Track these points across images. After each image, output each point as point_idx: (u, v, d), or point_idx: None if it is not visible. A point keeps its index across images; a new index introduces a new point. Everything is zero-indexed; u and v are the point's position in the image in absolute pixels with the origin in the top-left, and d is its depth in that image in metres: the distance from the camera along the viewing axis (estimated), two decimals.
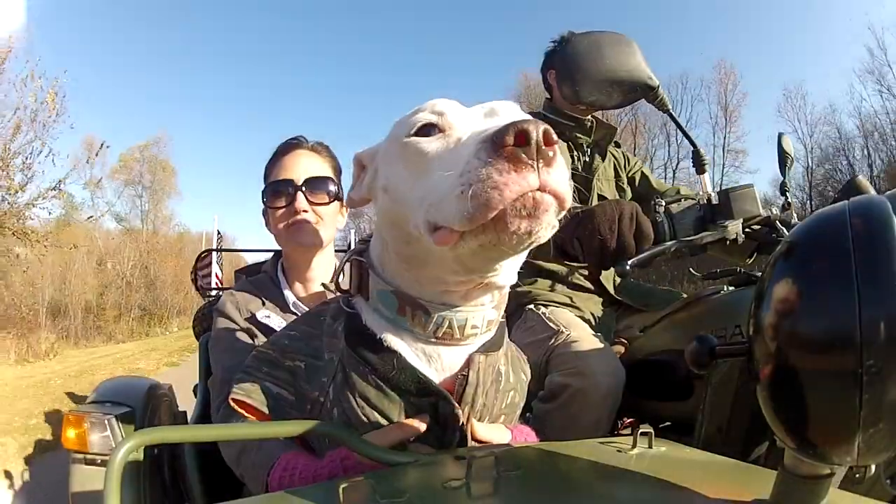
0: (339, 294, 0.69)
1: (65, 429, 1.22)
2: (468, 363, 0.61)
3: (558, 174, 0.44)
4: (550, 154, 0.42)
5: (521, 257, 0.55)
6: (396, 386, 0.60)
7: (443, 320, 0.57)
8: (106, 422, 1.21)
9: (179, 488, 1.24)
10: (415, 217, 0.50)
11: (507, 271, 0.55)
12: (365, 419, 0.60)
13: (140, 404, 1.33)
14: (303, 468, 0.63)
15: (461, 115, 0.54)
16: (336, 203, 1.07)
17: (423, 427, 0.60)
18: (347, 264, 0.67)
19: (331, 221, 1.06)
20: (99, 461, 1.20)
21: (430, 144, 0.52)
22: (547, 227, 0.45)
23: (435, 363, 0.60)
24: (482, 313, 0.59)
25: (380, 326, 0.61)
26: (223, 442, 0.79)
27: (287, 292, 1.06)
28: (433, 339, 0.59)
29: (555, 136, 0.43)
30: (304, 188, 1.03)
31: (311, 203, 1.03)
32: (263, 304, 1.03)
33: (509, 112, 0.54)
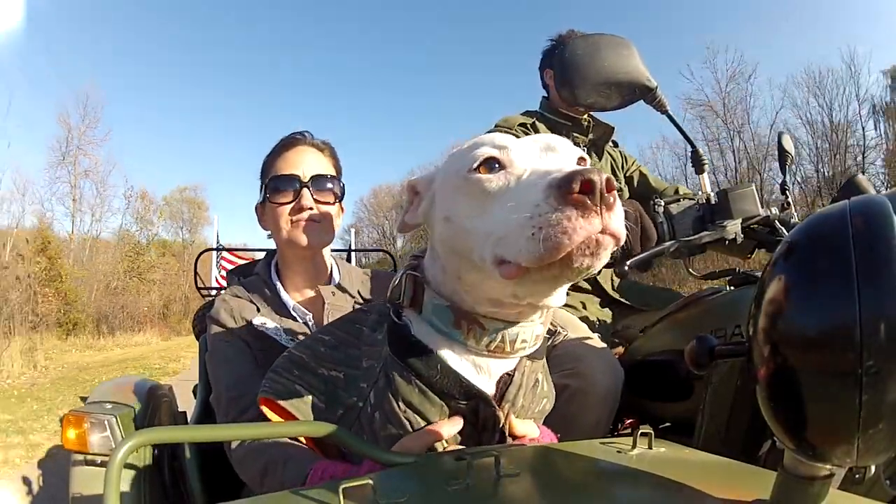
0: (379, 303, 0.71)
1: (65, 429, 1.22)
2: (516, 366, 0.63)
3: (617, 217, 0.48)
4: (611, 200, 0.47)
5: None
6: (440, 390, 0.62)
7: (496, 334, 0.60)
8: (106, 422, 1.21)
9: (179, 488, 1.24)
10: (479, 249, 0.54)
11: (559, 295, 0.59)
12: (407, 423, 0.62)
13: (140, 404, 1.32)
14: (342, 473, 0.63)
15: (521, 151, 0.57)
16: (337, 205, 1.05)
17: (456, 428, 0.62)
18: (402, 278, 0.68)
19: (335, 222, 1.04)
20: (99, 461, 1.20)
21: (493, 182, 0.55)
22: (604, 261, 0.49)
23: (483, 373, 0.62)
24: (532, 329, 0.62)
25: (431, 337, 0.63)
26: (242, 468, 0.79)
27: (285, 295, 1.03)
28: (485, 352, 0.61)
29: (615, 183, 0.48)
30: (310, 185, 0.99)
31: (316, 202, 1.00)
32: (258, 309, 1.00)
33: (564, 149, 0.58)
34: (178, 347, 11.38)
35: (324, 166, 1.04)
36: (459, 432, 0.62)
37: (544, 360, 0.71)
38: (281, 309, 1.01)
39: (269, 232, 1.06)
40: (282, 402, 0.67)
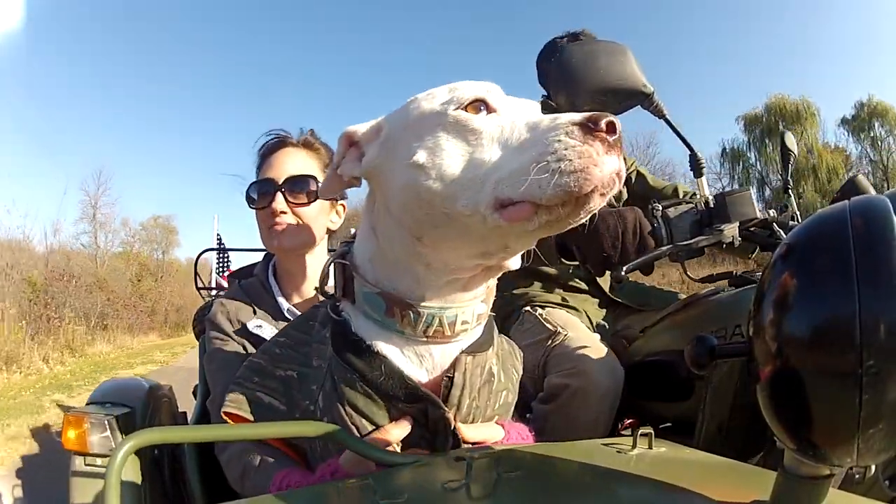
0: (326, 299, 0.67)
1: (65, 429, 1.22)
2: (454, 364, 0.60)
3: (622, 160, 0.48)
4: (620, 145, 0.47)
5: None
6: (385, 392, 0.59)
7: (433, 318, 0.57)
8: (106, 422, 1.20)
9: (179, 488, 1.24)
10: (471, 193, 0.49)
11: (519, 254, 0.57)
12: (354, 428, 0.59)
13: (140, 405, 1.32)
14: (296, 485, 0.63)
15: (507, 100, 0.54)
16: (323, 203, 1.03)
17: (405, 431, 0.59)
18: (331, 268, 0.65)
19: (314, 222, 1.01)
20: (99, 462, 1.20)
21: (487, 121, 0.51)
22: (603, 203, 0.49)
23: (426, 362, 0.60)
24: (472, 308, 0.59)
25: (368, 330, 0.60)
26: (227, 470, 0.79)
27: (280, 299, 1.02)
28: (424, 339, 0.58)
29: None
30: (283, 188, 0.98)
31: (290, 204, 0.98)
32: (255, 312, 0.99)
33: (534, 108, 0.56)
34: (177, 344, 14.17)
35: (303, 165, 1.02)
36: (411, 436, 0.59)
37: (497, 347, 0.67)
38: (276, 312, 1.01)
39: None
40: (242, 414, 0.66)
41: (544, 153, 0.46)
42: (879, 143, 15.73)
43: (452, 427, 0.60)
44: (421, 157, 0.52)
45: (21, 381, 6.89)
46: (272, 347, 0.71)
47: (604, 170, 0.45)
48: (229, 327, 0.98)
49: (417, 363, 0.59)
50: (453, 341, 0.60)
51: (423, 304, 0.57)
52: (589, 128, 0.45)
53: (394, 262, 0.58)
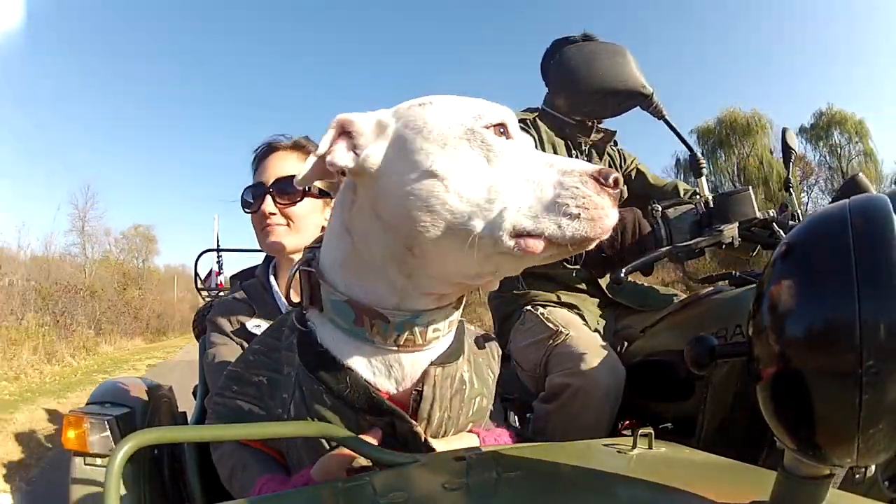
0: (292, 307, 0.66)
1: (65, 429, 1.22)
2: (423, 377, 0.59)
3: None
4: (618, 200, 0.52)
5: None
6: (351, 404, 0.58)
7: (403, 327, 0.56)
8: (106, 422, 1.21)
9: (179, 488, 1.24)
10: (484, 214, 0.49)
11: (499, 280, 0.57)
12: (323, 440, 0.59)
13: (140, 405, 1.33)
14: (270, 490, 0.63)
15: (519, 130, 0.56)
16: (314, 201, 1.04)
17: (374, 443, 0.57)
18: (294, 276, 0.63)
19: (305, 222, 1.03)
20: (99, 462, 1.20)
21: (508, 147, 0.52)
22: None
23: (395, 372, 0.58)
24: (444, 314, 0.58)
25: (336, 340, 0.58)
26: (219, 469, 0.78)
27: (279, 298, 1.03)
28: (395, 348, 0.57)
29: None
30: (272, 189, 1.00)
31: (279, 205, 1.00)
32: (254, 312, 1.00)
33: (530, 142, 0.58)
34: (163, 346, 16.38)
35: (292, 167, 1.03)
36: (383, 446, 0.57)
37: (466, 355, 0.65)
38: (277, 311, 1.01)
39: None
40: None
41: (564, 196, 0.49)
42: (839, 150, 16.26)
43: (424, 440, 0.59)
44: (440, 166, 0.50)
45: (61, 371, 9.04)
46: (247, 354, 0.71)
47: (610, 221, 0.50)
48: (228, 327, 0.99)
49: (386, 373, 0.58)
50: (425, 349, 0.58)
51: (394, 311, 0.56)
52: (600, 181, 0.50)
53: (369, 266, 0.56)
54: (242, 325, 0.98)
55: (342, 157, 0.55)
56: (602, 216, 0.49)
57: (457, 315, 0.61)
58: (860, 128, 15.93)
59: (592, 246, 0.52)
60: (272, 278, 1.07)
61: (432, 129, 0.53)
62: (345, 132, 0.56)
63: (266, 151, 1.07)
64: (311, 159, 0.57)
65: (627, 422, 1.20)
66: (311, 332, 0.61)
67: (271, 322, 0.97)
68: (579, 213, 0.48)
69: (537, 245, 0.49)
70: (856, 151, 16.03)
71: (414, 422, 0.58)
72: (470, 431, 0.68)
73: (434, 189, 0.50)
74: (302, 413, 0.59)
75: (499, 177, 0.50)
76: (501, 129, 0.53)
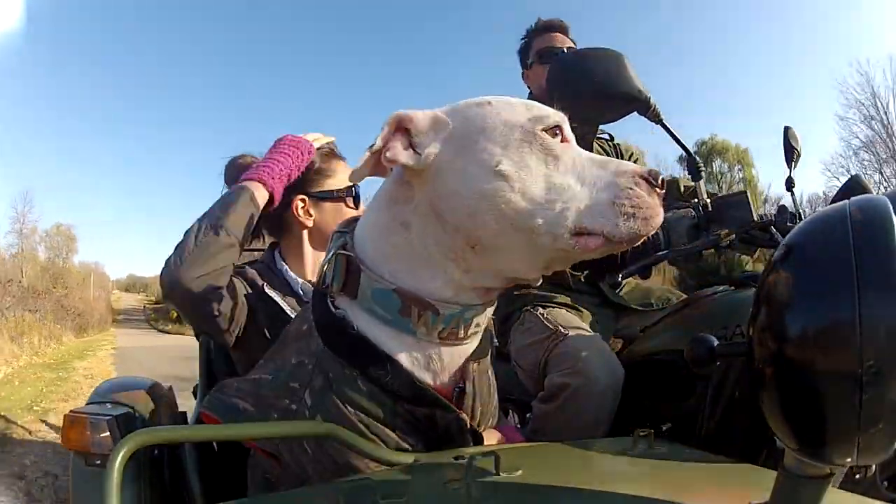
0: (318, 290, 0.63)
1: (65, 429, 1.22)
2: (463, 373, 0.59)
3: None
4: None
5: None
6: (389, 390, 0.57)
7: (451, 320, 0.56)
8: (106, 422, 1.20)
9: (179, 488, 1.24)
10: (546, 214, 0.52)
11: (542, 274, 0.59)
12: (361, 425, 0.57)
13: (140, 404, 1.32)
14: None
15: (572, 134, 0.58)
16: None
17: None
18: (332, 259, 0.61)
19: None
20: (99, 461, 1.20)
21: (564, 149, 0.55)
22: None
23: (434, 364, 0.58)
24: (487, 312, 0.60)
25: (373, 328, 0.57)
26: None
27: (290, 275, 1.06)
28: (436, 340, 0.57)
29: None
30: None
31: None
32: (269, 284, 1.03)
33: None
34: (102, 339, 16.66)
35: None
36: (420, 442, 0.58)
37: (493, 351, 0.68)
38: (286, 288, 1.05)
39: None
40: (215, 417, 0.65)
41: (620, 196, 0.52)
42: (719, 177, 17.54)
43: (470, 429, 0.59)
44: (506, 167, 0.52)
45: (47, 352, 10.77)
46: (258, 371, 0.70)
47: (659, 220, 0.53)
48: (243, 290, 1.00)
49: (425, 365, 0.58)
50: (463, 344, 0.59)
51: (445, 304, 0.56)
52: (650, 182, 0.53)
53: (425, 260, 0.56)
54: (257, 286, 1.01)
55: (402, 154, 0.55)
56: (653, 215, 0.52)
57: (491, 311, 0.62)
58: (744, 156, 17.56)
59: (639, 242, 0.54)
60: (280, 260, 1.10)
61: (494, 129, 0.54)
62: (400, 129, 0.56)
63: (336, 158, 1.15)
64: (365, 155, 0.56)
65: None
66: (342, 317, 0.59)
67: (282, 297, 1.00)
68: (634, 213, 0.52)
69: (596, 242, 0.52)
70: (738, 178, 17.48)
71: (460, 412, 0.59)
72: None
73: (500, 188, 0.52)
74: (322, 401, 0.58)
75: (559, 177, 0.53)
76: (557, 132, 0.55)
